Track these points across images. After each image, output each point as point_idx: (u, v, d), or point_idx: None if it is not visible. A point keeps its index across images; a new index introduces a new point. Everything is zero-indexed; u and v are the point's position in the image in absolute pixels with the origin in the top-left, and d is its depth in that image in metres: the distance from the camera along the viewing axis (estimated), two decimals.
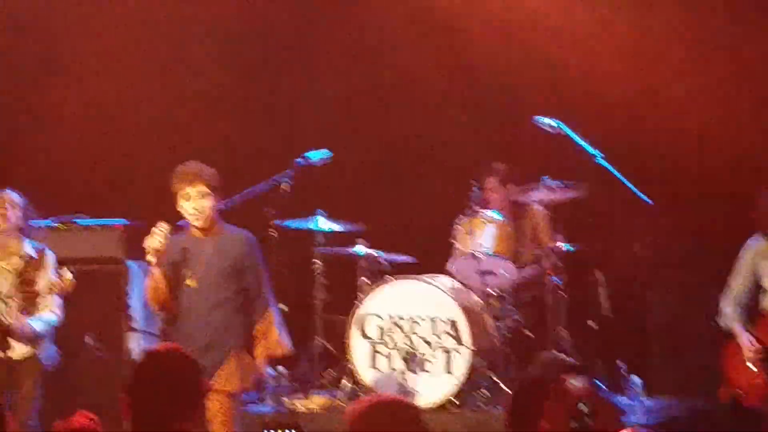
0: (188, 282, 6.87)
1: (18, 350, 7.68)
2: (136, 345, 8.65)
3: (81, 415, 4.64)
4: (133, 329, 8.68)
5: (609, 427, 3.43)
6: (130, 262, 8.42)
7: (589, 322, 8.58)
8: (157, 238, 6.69)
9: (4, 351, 7.63)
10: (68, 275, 7.41)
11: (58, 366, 7.82)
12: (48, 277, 7.71)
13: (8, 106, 10.04)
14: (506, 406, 7.48)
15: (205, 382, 4.06)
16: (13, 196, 7.81)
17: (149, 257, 6.72)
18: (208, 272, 6.86)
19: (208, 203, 6.85)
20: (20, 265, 7.75)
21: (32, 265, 7.76)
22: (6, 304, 7.68)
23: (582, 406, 3.27)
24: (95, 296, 8.32)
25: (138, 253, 7.01)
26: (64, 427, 4.51)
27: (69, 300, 7.81)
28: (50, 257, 7.82)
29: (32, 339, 7.64)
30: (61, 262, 7.85)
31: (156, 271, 6.79)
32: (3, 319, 7.62)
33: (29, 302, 7.69)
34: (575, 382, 3.36)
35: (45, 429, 7.48)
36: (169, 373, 3.81)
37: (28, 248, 7.80)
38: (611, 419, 3.55)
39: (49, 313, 7.68)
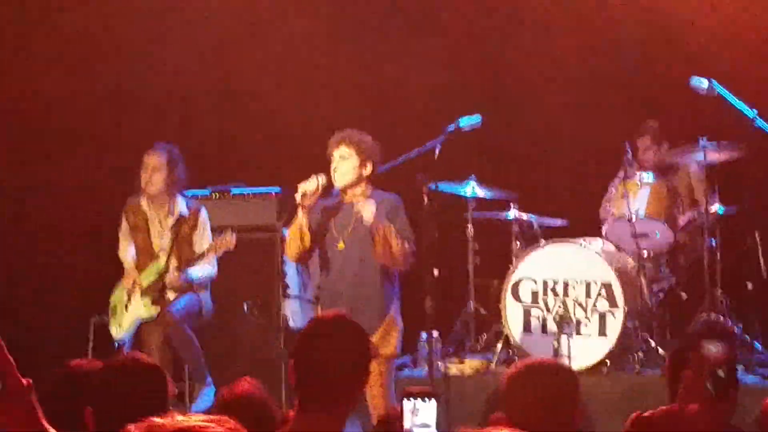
0: (338, 245, 6.98)
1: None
2: (291, 311, 8.81)
3: (245, 382, 4.72)
4: (288, 296, 8.83)
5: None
6: (285, 230, 8.56)
7: (747, 284, 8.44)
8: (312, 182, 6.83)
9: (162, 308, 7.88)
10: (230, 234, 7.57)
11: (217, 326, 8.02)
12: (204, 236, 7.92)
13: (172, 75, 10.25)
14: (664, 369, 7.44)
15: (373, 348, 4.03)
16: (157, 159, 7.99)
17: (298, 197, 6.85)
18: (355, 235, 6.95)
19: (349, 166, 6.93)
20: (175, 223, 7.96)
21: (187, 224, 7.96)
22: (166, 263, 7.91)
23: (720, 372, 3.24)
24: (251, 263, 8.49)
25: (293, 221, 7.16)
26: (229, 394, 4.58)
27: (226, 267, 8.01)
28: (204, 216, 8.01)
29: (189, 289, 7.87)
30: (216, 231, 8.05)
31: (301, 215, 6.91)
32: (164, 277, 7.85)
33: (186, 261, 7.91)
34: (713, 347, 3.33)
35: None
36: (337, 341, 3.76)
37: (182, 207, 8.01)
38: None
39: (206, 266, 7.89)
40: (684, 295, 8.50)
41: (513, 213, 8.69)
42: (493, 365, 8.25)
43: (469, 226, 8.80)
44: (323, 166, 7.08)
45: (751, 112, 8.05)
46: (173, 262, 7.92)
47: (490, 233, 8.97)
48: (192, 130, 9.96)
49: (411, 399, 3.24)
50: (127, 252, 8.13)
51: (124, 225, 8.16)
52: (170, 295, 7.92)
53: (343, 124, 7.34)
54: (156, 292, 7.91)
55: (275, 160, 9.58)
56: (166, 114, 10.10)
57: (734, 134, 8.37)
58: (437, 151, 7.88)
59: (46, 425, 2.88)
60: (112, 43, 10.11)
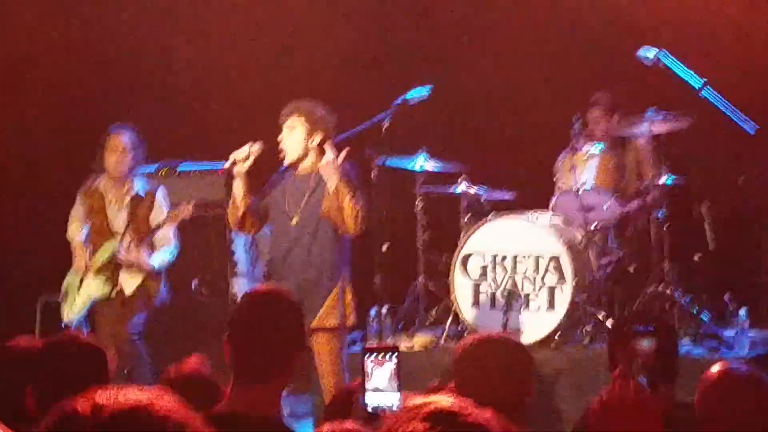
0: (292, 220, 6.96)
1: (130, 285, 7.85)
2: (240, 289, 8.77)
3: (192, 359, 4.71)
4: (237, 273, 8.79)
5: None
6: None
7: (695, 256, 8.48)
8: (243, 149, 6.82)
9: (118, 287, 7.82)
10: (187, 203, 7.51)
11: (166, 305, 7.97)
12: (161, 215, 7.87)
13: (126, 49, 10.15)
14: (607, 343, 7.48)
15: (306, 322, 4.04)
16: (126, 138, 7.94)
17: (227, 165, 6.85)
18: (307, 209, 6.92)
19: (297, 137, 6.92)
20: (132, 203, 7.90)
21: (144, 204, 7.91)
22: (120, 241, 7.85)
23: (642, 379, 3.30)
24: (199, 241, 8.44)
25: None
26: (176, 371, 4.56)
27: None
28: (161, 196, 7.96)
29: (146, 272, 7.81)
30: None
31: (236, 183, 6.90)
32: (118, 255, 7.79)
33: (143, 240, 7.85)
34: (643, 342, 3.36)
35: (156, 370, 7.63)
36: (269, 314, 3.77)
37: (140, 187, 7.95)
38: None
39: (164, 248, 7.84)
40: (632, 267, 8.51)
41: (462, 187, 8.67)
42: (442, 340, 8.24)
43: (418, 200, 8.77)
44: (269, 135, 7.04)
45: (698, 82, 8.07)
46: (127, 240, 7.85)
47: (439, 207, 8.96)
48: (141, 104, 9.87)
49: (372, 355, 3.20)
50: (78, 233, 8.04)
51: (78, 206, 8.07)
52: (124, 274, 7.83)
53: (293, 96, 7.30)
54: (110, 270, 7.84)
55: (225, 135, 9.49)
56: (116, 87, 10.00)
57: (682, 105, 8.38)
58: (386, 125, 7.85)
59: None
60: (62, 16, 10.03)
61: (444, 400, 2.02)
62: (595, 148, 8.47)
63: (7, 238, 9.96)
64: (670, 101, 8.34)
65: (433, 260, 8.80)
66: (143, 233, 7.86)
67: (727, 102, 8.04)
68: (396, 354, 3.24)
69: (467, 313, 8.19)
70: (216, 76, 10.22)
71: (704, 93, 8.06)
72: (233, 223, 7.11)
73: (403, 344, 8.22)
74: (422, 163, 8.70)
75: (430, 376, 7.66)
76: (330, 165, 6.84)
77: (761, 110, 8.37)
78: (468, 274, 8.23)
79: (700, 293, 8.34)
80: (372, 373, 3.20)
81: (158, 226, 7.81)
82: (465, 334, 7.91)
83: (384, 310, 8.26)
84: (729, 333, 8.04)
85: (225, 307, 8.45)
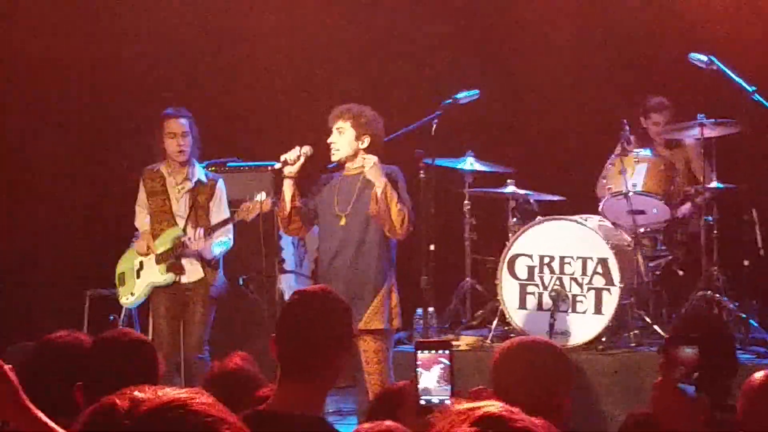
0: (340, 221, 7.00)
1: (191, 274, 7.86)
2: (287, 286, 8.81)
3: (236, 357, 4.74)
4: (284, 270, 8.82)
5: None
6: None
7: (744, 262, 8.42)
8: (293, 151, 6.87)
9: (178, 276, 7.83)
10: (263, 196, 7.46)
11: (223, 296, 7.98)
12: (220, 206, 7.88)
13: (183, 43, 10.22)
14: (659, 348, 7.44)
15: (354, 324, 4.07)
16: (184, 121, 7.93)
17: (278, 166, 6.90)
18: (355, 210, 6.96)
19: (345, 140, 6.96)
20: (193, 190, 7.91)
21: (204, 192, 7.91)
22: (183, 229, 7.86)
23: (684, 387, 3.28)
24: (247, 238, 8.47)
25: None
26: (221, 368, 4.59)
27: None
28: (221, 187, 7.95)
29: (207, 262, 7.83)
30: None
31: (285, 184, 6.94)
32: (181, 244, 7.78)
33: (206, 229, 7.83)
34: (686, 350, 3.35)
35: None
36: (318, 314, 3.79)
37: (200, 174, 7.96)
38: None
39: (223, 239, 7.85)
40: (681, 272, 8.49)
41: (510, 188, 8.67)
42: (488, 341, 8.24)
43: (466, 201, 8.78)
44: (323, 141, 7.08)
45: (749, 87, 8.03)
46: (189, 229, 7.85)
47: (487, 209, 8.96)
48: (188, 103, 9.93)
49: (425, 350, 3.18)
50: (145, 221, 8.04)
51: (141, 194, 8.05)
52: (185, 262, 7.84)
53: (342, 98, 7.35)
54: (171, 258, 7.84)
55: (275, 135, 9.55)
56: (163, 86, 10.06)
57: (733, 110, 8.34)
58: (434, 126, 7.87)
59: (30, 406, 2.87)
60: (108, 12, 10.10)
61: (493, 405, 2.03)
62: (645, 152, 8.44)
63: (55, 232, 10.05)
64: (722, 106, 8.31)
65: (480, 261, 8.81)
66: (203, 221, 7.85)
67: None
68: (449, 350, 3.21)
69: (514, 314, 8.18)
70: (262, 77, 10.26)
71: (756, 98, 8.03)
72: (280, 223, 7.16)
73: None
74: (471, 163, 8.71)
75: (476, 377, 7.72)
76: (377, 168, 6.87)
77: None
78: (515, 275, 8.22)
79: (748, 299, 8.29)
80: (423, 369, 3.20)
81: (227, 220, 7.80)
82: (511, 336, 7.91)
83: (430, 311, 8.27)
84: None
85: (272, 303, 8.48)
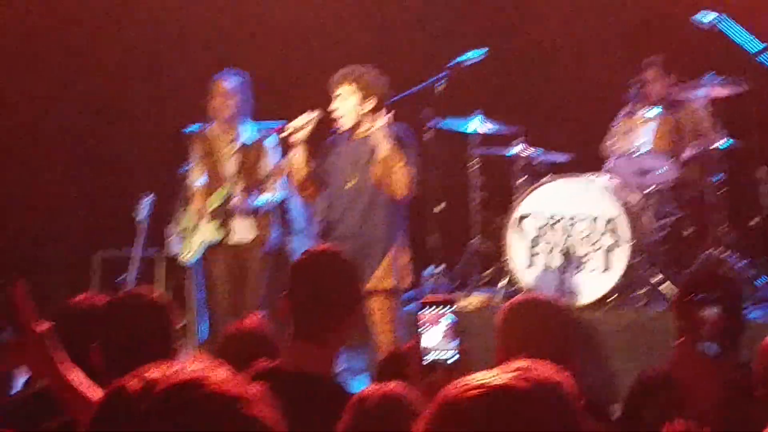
0: (349, 182, 6.99)
1: (241, 234, 7.93)
2: (296, 246, 8.83)
3: (254, 316, 4.78)
4: (293, 231, 8.84)
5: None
6: None
7: (752, 221, 8.44)
8: (302, 118, 6.86)
9: (230, 233, 7.92)
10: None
11: (280, 248, 8.06)
12: (268, 162, 7.92)
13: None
14: (668, 304, 7.45)
15: (361, 284, 4.11)
16: (228, 84, 7.97)
17: (286, 134, 6.90)
18: (363, 172, 6.95)
19: (350, 104, 6.93)
20: (241, 151, 7.96)
21: (252, 151, 7.95)
22: (233, 189, 7.92)
23: (709, 346, 3.29)
24: None
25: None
26: (237, 328, 4.63)
27: None
28: (269, 144, 8.00)
29: (256, 219, 7.89)
30: None
31: (296, 150, 6.93)
32: (231, 202, 7.86)
33: (253, 187, 7.90)
34: (708, 312, 3.36)
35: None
36: (327, 274, 3.84)
37: (247, 136, 8.00)
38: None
39: (270, 193, 7.91)
40: (689, 230, 8.50)
41: (518, 148, 8.66)
42: (497, 300, 8.27)
43: (474, 161, 8.77)
44: (326, 99, 7.06)
45: (756, 46, 8.02)
46: (239, 188, 7.93)
47: (495, 168, 8.95)
48: (200, 62, 9.94)
49: (430, 308, 3.18)
50: (197, 178, 8.11)
51: (194, 153, 8.11)
52: (236, 221, 7.93)
53: (347, 59, 7.32)
54: (222, 216, 7.92)
55: (280, 96, 9.54)
56: (170, 46, 10.07)
57: (740, 69, 8.33)
58: (441, 86, 7.86)
59: (67, 369, 2.92)
60: None
61: (515, 363, 2.01)
62: (652, 112, 8.43)
63: (63, 195, 10.07)
64: (728, 66, 8.29)
65: (488, 220, 8.81)
66: (254, 180, 7.92)
67: None
68: (452, 308, 3.20)
69: (522, 274, 8.20)
70: (265, 40, 10.23)
71: (762, 58, 8.02)
72: (295, 188, 7.16)
73: (458, 304, 8.22)
74: (477, 124, 8.70)
75: (485, 336, 7.74)
76: (381, 130, 6.85)
77: None
78: (523, 235, 8.24)
79: (756, 257, 8.31)
80: (428, 327, 3.19)
81: (268, 177, 7.88)
82: (518, 294, 7.93)
83: (439, 271, 8.30)
84: None
85: (282, 263, 8.50)
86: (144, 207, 8.40)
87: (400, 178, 6.82)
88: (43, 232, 10.01)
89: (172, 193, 8.35)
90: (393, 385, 3.15)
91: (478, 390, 1.89)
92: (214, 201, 7.95)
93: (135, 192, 8.60)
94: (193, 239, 8.03)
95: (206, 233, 7.98)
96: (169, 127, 9.27)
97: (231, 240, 7.95)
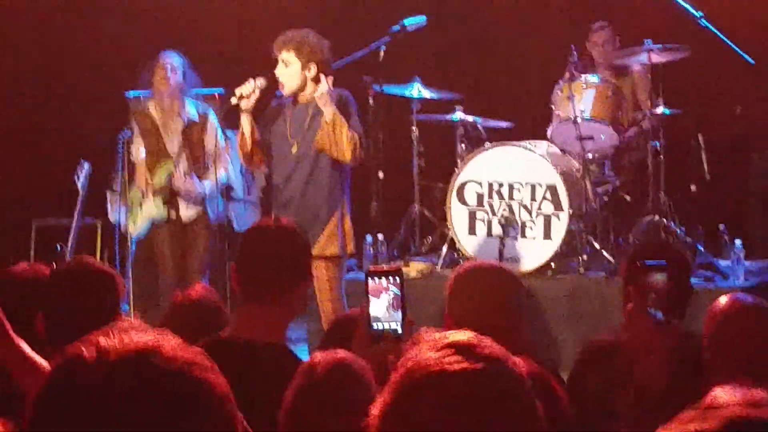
0: (292, 148, 6.95)
1: (187, 211, 7.87)
2: (235, 214, 8.78)
3: (199, 286, 4.77)
4: (232, 198, 8.78)
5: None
6: (228, 132, 8.45)
7: (691, 187, 8.50)
8: (248, 85, 6.80)
9: (175, 211, 7.85)
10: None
11: (224, 222, 8.02)
12: (213, 138, 7.85)
13: None
14: (608, 271, 7.49)
15: (310, 253, 4.10)
16: (172, 59, 7.90)
17: (233, 101, 6.84)
18: (307, 137, 6.91)
19: (292, 71, 6.88)
20: (185, 127, 7.88)
21: (197, 127, 7.88)
22: (175, 166, 7.84)
23: (654, 312, 3.31)
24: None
25: (236, 122, 7.09)
26: (184, 297, 4.61)
27: None
28: (213, 119, 7.93)
29: (199, 200, 7.83)
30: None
31: (243, 119, 6.89)
32: (174, 180, 7.78)
33: (197, 164, 7.83)
34: (656, 276, 3.38)
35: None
36: (279, 244, 3.85)
37: (191, 110, 7.91)
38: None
39: (221, 172, 7.86)
40: (628, 197, 8.56)
41: (458, 115, 8.65)
42: (438, 268, 8.28)
43: (414, 128, 8.74)
44: (267, 65, 7.00)
45: (697, 13, 8.06)
46: (183, 166, 7.85)
47: (435, 136, 8.95)
48: (136, 27, 9.82)
49: (375, 278, 3.15)
50: (138, 152, 8.02)
51: (135, 128, 8.02)
52: (180, 201, 7.85)
53: (288, 24, 7.25)
54: (167, 193, 7.84)
55: (219, 62, 9.45)
56: (112, 12, 9.94)
57: (679, 36, 8.37)
58: (382, 53, 7.83)
59: (14, 339, 2.87)
60: None
61: (462, 334, 2.05)
62: (593, 78, 8.44)
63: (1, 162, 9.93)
64: (668, 32, 8.32)
65: (428, 188, 8.81)
66: (198, 156, 7.84)
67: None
68: (399, 277, 3.16)
69: (463, 240, 8.22)
70: (208, 4, 10.12)
71: (703, 23, 8.06)
72: (242, 158, 7.10)
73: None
74: (418, 90, 8.67)
75: (427, 304, 7.76)
76: (325, 95, 6.81)
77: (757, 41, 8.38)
78: (464, 201, 8.24)
79: (695, 223, 8.38)
80: (373, 297, 3.17)
81: (211, 155, 7.81)
82: (461, 262, 7.95)
83: (380, 238, 8.29)
84: (724, 263, 8.10)
85: (223, 232, 8.45)
86: (82, 175, 8.29)
87: (345, 142, 6.78)
88: None
89: (111, 160, 8.25)
90: (342, 353, 3.14)
91: (437, 371, 1.93)
92: (158, 176, 7.86)
93: (72, 159, 8.47)
94: (138, 215, 7.95)
95: (151, 210, 7.90)
96: (108, 92, 9.16)
97: (175, 216, 7.88)
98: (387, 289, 3.15)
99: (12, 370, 2.91)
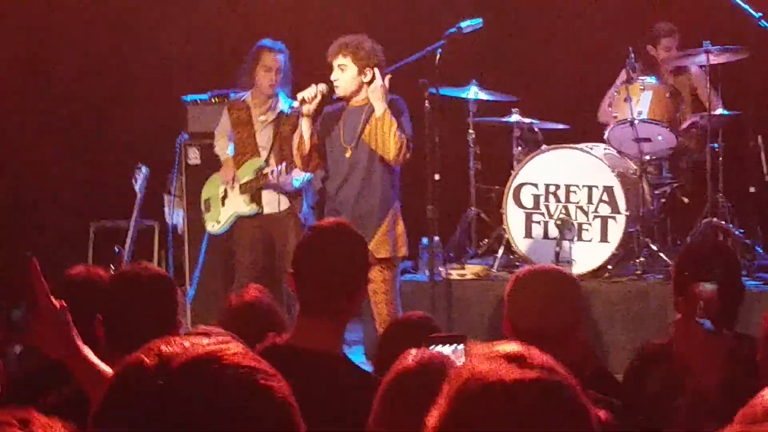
0: (346, 153, 6.97)
1: (273, 206, 7.86)
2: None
3: (252, 288, 4.77)
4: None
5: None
6: None
7: (750, 188, 8.42)
8: (311, 89, 6.83)
9: (261, 206, 7.84)
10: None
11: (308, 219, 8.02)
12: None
13: None
14: (665, 273, 7.44)
15: (371, 255, 4.08)
16: (282, 58, 7.88)
17: (296, 104, 6.87)
18: (362, 141, 6.93)
19: (348, 75, 6.90)
20: (277, 121, 7.89)
21: (288, 122, 7.87)
22: (266, 160, 7.86)
23: (703, 322, 3.27)
24: None
25: None
26: (238, 300, 4.62)
27: None
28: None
29: (290, 194, 7.83)
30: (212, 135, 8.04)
31: (303, 122, 6.91)
32: (264, 176, 7.78)
33: (287, 159, 7.81)
34: (705, 287, 3.35)
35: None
36: (337, 248, 3.81)
37: (285, 106, 7.93)
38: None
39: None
40: (686, 199, 8.49)
41: (514, 117, 8.63)
42: (494, 270, 8.26)
43: (471, 130, 8.74)
44: (324, 71, 7.03)
45: (756, 14, 7.98)
46: (272, 161, 7.86)
47: (491, 138, 8.93)
48: (194, 33, 9.87)
49: (437, 345, 3.05)
50: (225, 148, 8.05)
51: (225, 121, 8.05)
52: (267, 194, 7.85)
53: (344, 29, 7.27)
54: (254, 189, 7.85)
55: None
56: (168, 18, 9.99)
57: (738, 37, 8.30)
58: (438, 55, 7.82)
59: (80, 346, 2.90)
60: None
61: (510, 345, 2.05)
62: (651, 80, 8.39)
63: (59, 164, 10.02)
64: (727, 33, 8.25)
65: (485, 190, 8.80)
66: (287, 152, 7.82)
67: None
68: (463, 344, 3.06)
69: (519, 243, 8.20)
70: (255, 8, 10.14)
71: (762, 24, 7.98)
72: (299, 162, 7.10)
73: (455, 273, 8.23)
74: (475, 92, 8.67)
75: (482, 306, 7.76)
76: (379, 90, 6.83)
77: None
78: (521, 204, 8.22)
79: (753, 225, 8.31)
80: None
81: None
82: (517, 264, 7.94)
83: (436, 240, 8.28)
84: None
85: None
86: (140, 178, 8.34)
87: (392, 140, 6.78)
88: (40, 202, 9.97)
89: (168, 163, 8.32)
90: (435, 352, 3.08)
91: (494, 381, 1.93)
92: (246, 172, 7.88)
93: (130, 162, 8.53)
94: (222, 210, 7.95)
95: (238, 205, 7.90)
96: (166, 96, 9.21)
97: (262, 211, 7.87)
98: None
99: (77, 375, 2.94)
